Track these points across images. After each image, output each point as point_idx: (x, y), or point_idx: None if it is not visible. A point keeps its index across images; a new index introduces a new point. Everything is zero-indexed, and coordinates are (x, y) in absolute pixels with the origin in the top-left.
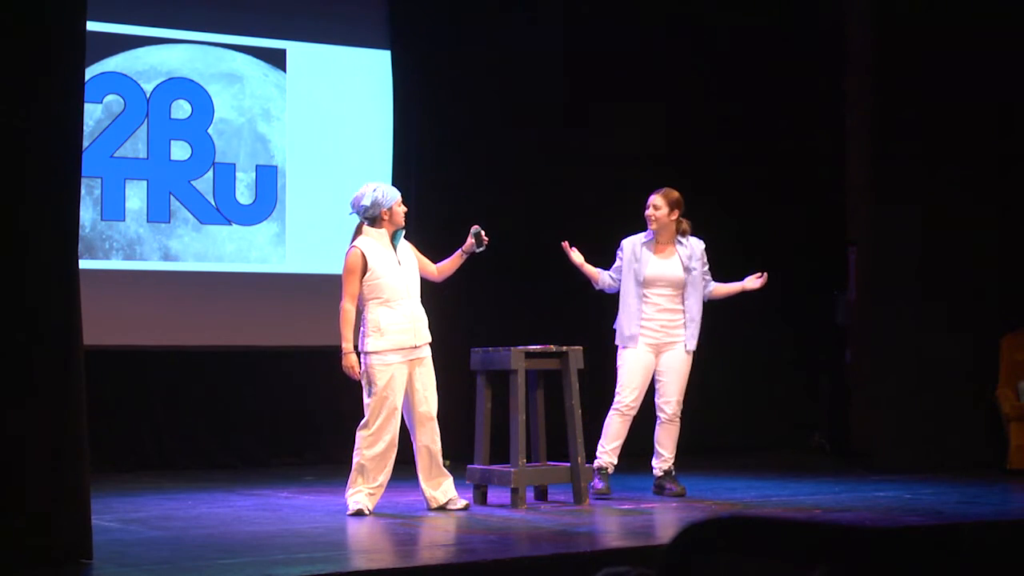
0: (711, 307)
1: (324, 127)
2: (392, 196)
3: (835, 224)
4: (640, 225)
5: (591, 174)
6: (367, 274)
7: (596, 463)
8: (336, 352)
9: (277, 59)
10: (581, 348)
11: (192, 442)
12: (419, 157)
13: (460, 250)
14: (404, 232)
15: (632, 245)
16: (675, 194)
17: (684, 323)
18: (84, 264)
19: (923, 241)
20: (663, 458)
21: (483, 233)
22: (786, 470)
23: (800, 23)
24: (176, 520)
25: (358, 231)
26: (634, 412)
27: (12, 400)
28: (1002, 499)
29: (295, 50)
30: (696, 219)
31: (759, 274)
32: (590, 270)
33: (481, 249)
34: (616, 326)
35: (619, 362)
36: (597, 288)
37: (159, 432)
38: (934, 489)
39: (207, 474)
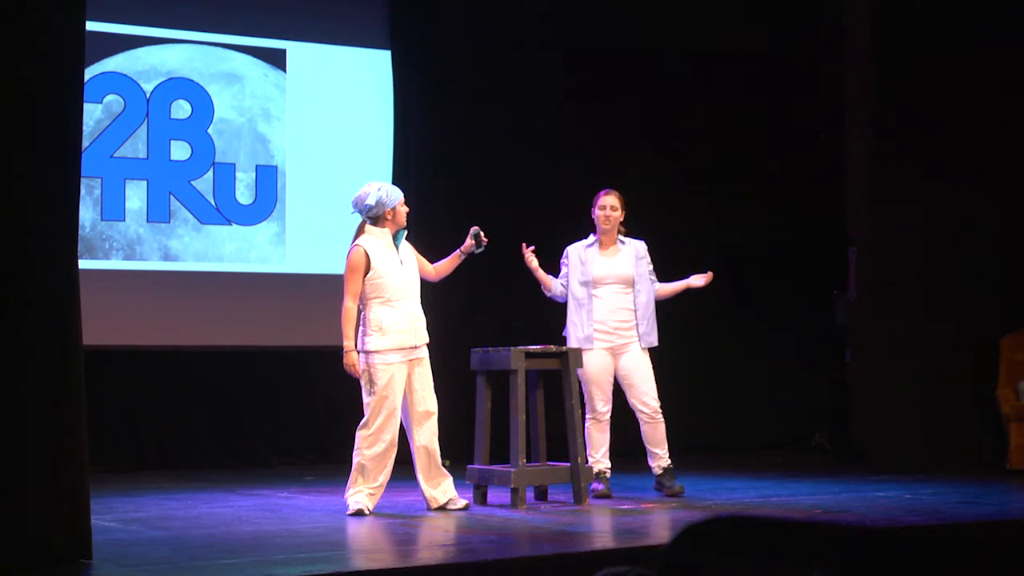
0: (711, 308)
1: (324, 127)
2: (396, 196)
3: (835, 224)
4: (635, 225)
5: (591, 174)
6: (370, 273)
7: (593, 471)
8: (336, 352)
9: (277, 59)
10: (581, 348)
11: (192, 442)
12: (419, 157)
13: (458, 250)
14: (406, 232)
15: (576, 251)
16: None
17: (635, 323)
18: (84, 264)
19: (923, 241)
20: (658, 456)
21: (482, 234)
22: (786, 470)
23: (800, 23)
24: (176, 520)
25: (360, 230)
26: (608, 415)
27: (12, 400)
28: (1002, 499)
29: (295, 50)
30: (695, 219)
31: (705, 272)
32: (543, 276)
33: (480, 250)
34: (566, 332)
35: (579, 370)
36: (548, 295)
37: (159, 432)
38: (934, 489)
39: (207, 474)
